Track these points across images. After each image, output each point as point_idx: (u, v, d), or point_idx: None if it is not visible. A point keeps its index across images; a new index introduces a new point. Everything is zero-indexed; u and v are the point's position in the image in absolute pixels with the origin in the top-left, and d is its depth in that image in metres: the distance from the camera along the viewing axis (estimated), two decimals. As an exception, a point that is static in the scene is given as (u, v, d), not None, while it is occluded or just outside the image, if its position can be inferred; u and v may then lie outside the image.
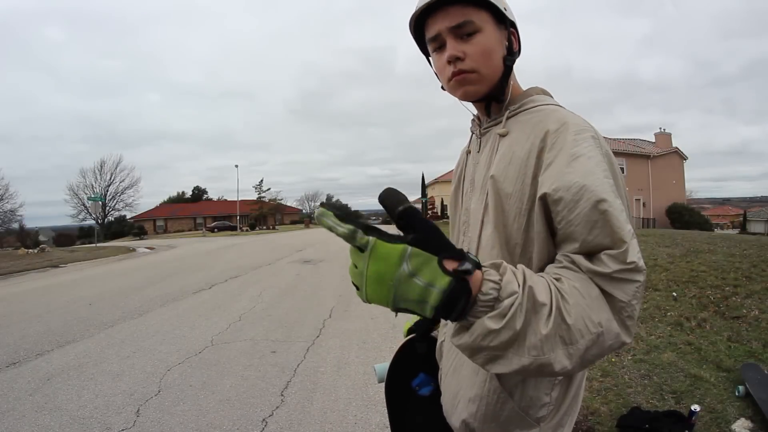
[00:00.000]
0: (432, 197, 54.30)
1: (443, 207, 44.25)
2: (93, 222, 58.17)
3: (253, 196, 53.89)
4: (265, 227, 47.33)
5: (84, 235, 59.24)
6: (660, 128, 36.15)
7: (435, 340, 1.11)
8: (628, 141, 35.57)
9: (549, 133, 0.79)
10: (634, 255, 0.66)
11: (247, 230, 42.82)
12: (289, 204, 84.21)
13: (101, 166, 59.43)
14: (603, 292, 0.65)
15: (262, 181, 47.82)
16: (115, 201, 61.31)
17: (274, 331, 5.22)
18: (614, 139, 33.65)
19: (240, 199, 50.56)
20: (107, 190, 60.23)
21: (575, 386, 0.88)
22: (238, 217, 41.03)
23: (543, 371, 0.62)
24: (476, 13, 0.85)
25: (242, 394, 3.43)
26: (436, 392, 1.05)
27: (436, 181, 62.78)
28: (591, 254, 0.68)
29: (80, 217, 59.84)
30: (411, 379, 1.13)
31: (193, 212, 65.55)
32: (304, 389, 3.48)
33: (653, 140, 37.24)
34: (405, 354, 1.18)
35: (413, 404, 1.14)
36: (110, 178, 60.52)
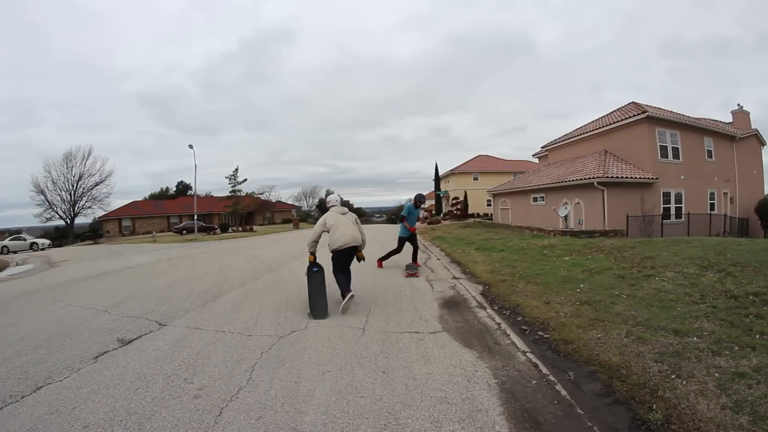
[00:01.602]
0: (452, 195, 46.68)
1: (466, 203, 35.92)
2: (61, 222, 53.66)
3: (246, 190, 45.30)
4: (239, 228, 39.11)
5: (59, 236, 53.06)
6: (738, 105, 27.85)
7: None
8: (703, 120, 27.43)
9: None
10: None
11: (215, 233, 34.70)
12: (284, 200, 78.23)
13: (66, 159, 52.48)
14: None
15: (237, 170, 40.41)
16: (84, 199, 54.89)
17: None
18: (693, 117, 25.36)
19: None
20: (76, 186, 53.97)
21: None
22: (195, 216, 32.82)
23: None
24: None
25: None
26: (320, 270, 6.35)
27: (452, 173, 54.93)
28: None
29: (46, 215, 53.91)
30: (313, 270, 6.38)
31: (166, 210, 57.92)
32: None
33: (728, 120, 28.75)
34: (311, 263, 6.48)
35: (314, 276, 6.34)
36: (79, 172, 54.29)
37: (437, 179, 52.72)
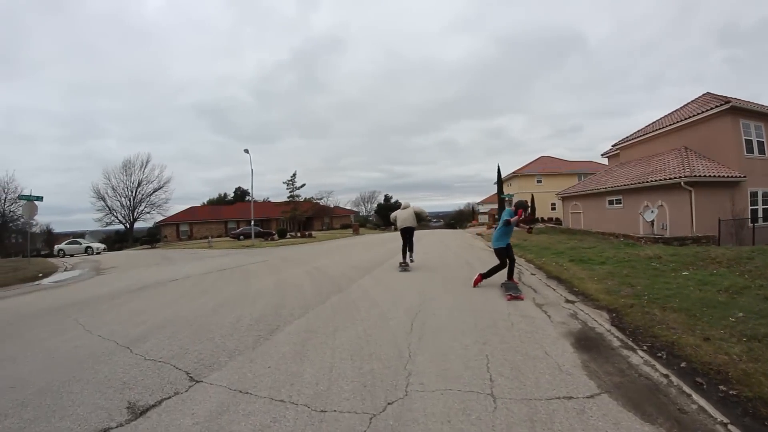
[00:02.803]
0: (523, 200, 43.92)
1: (533, 207, 33.14)
2: (121, 226, 55.54)
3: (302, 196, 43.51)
4: (297, 234, 38.02)
5: (119, 239, 55.37)
6: None
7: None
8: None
9: None
10: None
11: (272, 239, 33.69)
12: (342, 206, 77.92)
13: (125, 167, 54.93)
14: None
15: (294, 175, 39.94)
16: (143, 204, 58.12)
17: None
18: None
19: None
20: (135, 193, 57.17)
21: None
22: (252, 222, 31.83)
23: None
24: None
25: None
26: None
27: (514, 175, 52.10)
28: None
29: (106, 220, 56.96)
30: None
31: (224, 216, 58.14)
32: None
33: None
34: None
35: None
36: (138, 179, 57.39)
37: (500, 182, 49.87)
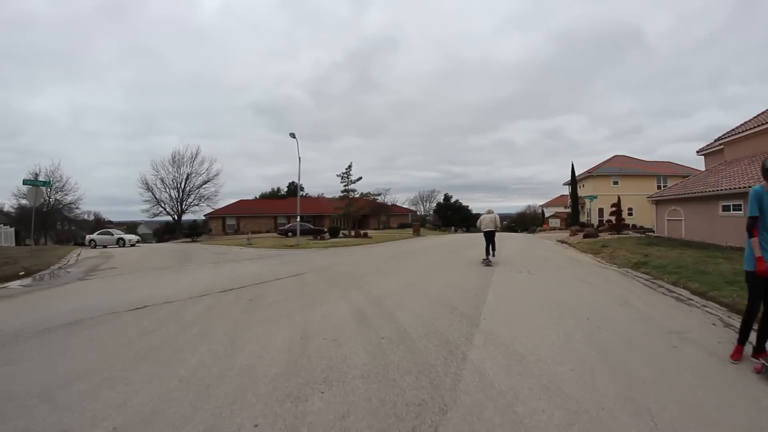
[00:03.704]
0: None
1: (619, 212, 28.27)
2: (170, 217, 54.77)
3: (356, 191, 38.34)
4: (351, 232, 34.66)
5: (168, 230, 55.70)
6: None
7: None
8: None
9: None
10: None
11: (322, 237, 30.43)
12: (400, 204, 73.81)
13: (174, 159, 55.14)
14: None
15: (350, 168, 35.11)
16: (192, 197, 56.31)
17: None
18: None
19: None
20: (183, 185, 55.39)
21: None
22: (298, 218, 28.55)
23: None
24: None
25: None
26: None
27: (588, 175, 46.94)
28: None
29: (154, 211, 55.27)
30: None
31: (274, 210, 55.99)
32: None
33: None
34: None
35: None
36: (187, 172, 55.45)
37: (573, 182, 44.67)
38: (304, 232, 36.91)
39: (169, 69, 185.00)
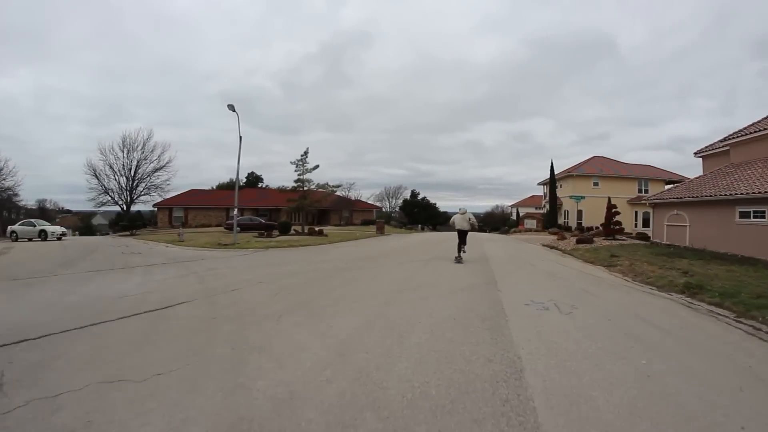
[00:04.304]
0: (567, 203, 34.55)
1: (612, 215, 24.15)
2: (119, 208, 49.28)
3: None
4: (305, 228, 29.36)
5: (119, 220, 49.72)
6: None
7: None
8: None
9: None
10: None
11: (269, 234, 25.23)
12: (365, 200, 68.94)
13: (125, 144, 49.38)
14: None
15: (306, 153, 29.35)
16: (142, 186, 50.91)
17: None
18: None
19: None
20: (134, 173, 49.82)
21: None
22: (236, 211, 22.94)
23: None
24: None
25: None
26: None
27: (568, 175, 43.35)
28: None
29: (101, 200, 49.29)
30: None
31: (226, 202, 50.92)
32: None
33: None
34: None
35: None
36: (137, 158, 49.85)
37: (552, 181, 41.02)
38: (253, 228, 32.27)
39: (139, 53, 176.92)
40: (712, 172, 22.79)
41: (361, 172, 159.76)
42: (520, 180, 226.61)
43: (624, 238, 22.76)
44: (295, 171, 28.00)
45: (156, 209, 51.53)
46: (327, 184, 29.06)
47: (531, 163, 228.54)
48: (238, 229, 31.65)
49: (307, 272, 10.99)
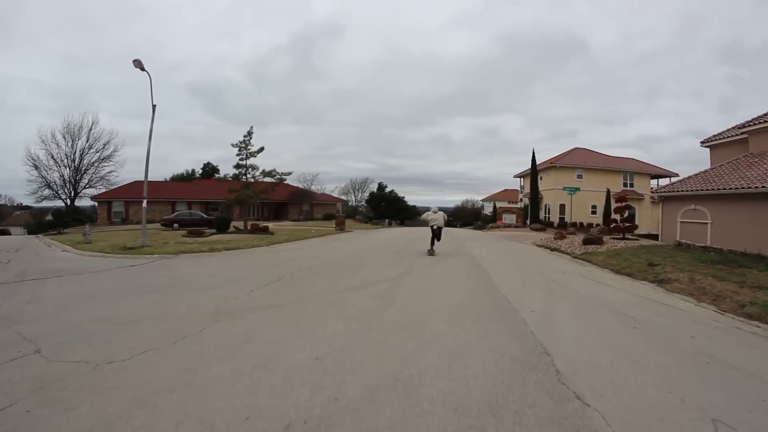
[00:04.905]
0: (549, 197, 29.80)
1: (623, 208, 19.72)
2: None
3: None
4: (247, 226, 23.92)
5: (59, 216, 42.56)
6: None
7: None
8: None
9: None
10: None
11: (200, 233, 19.54)
12: (329, 192, 63.78)
13: (69, 131, 42.51)
14: None
15: (250, 134, 24.11)
16: (85, 177, 44.51)
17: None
18: None
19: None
20: (78, 163, 43.45)
21: None
22: (144, 203, 17.19)
23: None
24: None
25: None
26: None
27: (551, 165, 39.37)
28: None
29: (43, 194, 42.94)
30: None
31: (177, 195, 45.12)
32: None
33: None
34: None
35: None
36: (82, 147, 43.28)
37: (534, 172, 36.86)
38: (192, 224, 26.95)
39: (105, 41, 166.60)
40: (730, 162, 19.70)
41: (329, 165, 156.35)
42: (488, 175, 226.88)
43: (635, 237, 18.65)
44: (237, 155, 22.70)
45: (96, 204, 44.43)
46: (274, 170, 23.46)
47: (499, 159, 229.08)
48: (177, 225, 26.50)
49: (196, 307, 6.15)
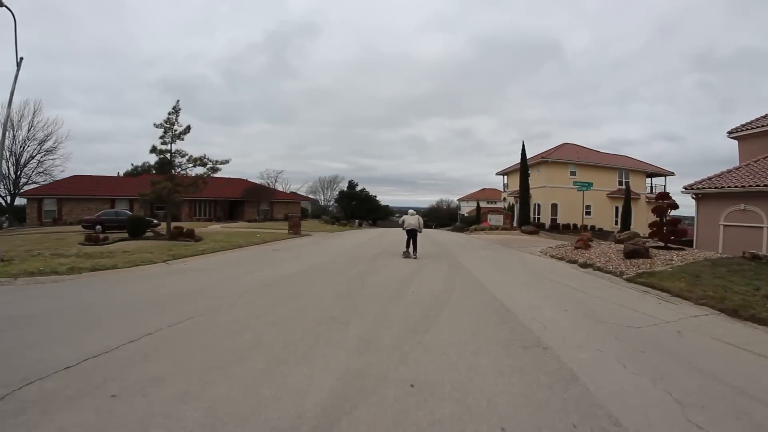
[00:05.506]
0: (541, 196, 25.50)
1: (666, 208, 15.12)
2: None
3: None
4: (167, 229, 17.76)
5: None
6: None
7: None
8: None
9: None
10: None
11: (99, 238, 13.95)
12: (296, 190, 60.14)
13: (6, 118, 35.45)
14: None
15: (177, 110, 17.54)
16: (26, 170, 39.59)
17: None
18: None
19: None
20: (20, 154, 38.49)
21: None
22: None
23: None
24: None
25: None
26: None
27: (543, 160, 35.14)
28: None
29: None
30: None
31: (114, 191, 39.40)
32: None
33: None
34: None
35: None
36: (23, 138, 38.26)
37: (524, 167, 32.50)
38: (117, 225, 21.65)
39: (76, 34, 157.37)
40: (760, 158, 16.86)
41: (301, 165, 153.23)
42: (461, 176, 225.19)
43: (678, 246, 13.91)
44: (160, 138, 17.16)
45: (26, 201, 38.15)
46: (205, 156, 17.89)
47: (472, 159, 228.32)
48: (99, 227, 21.03)
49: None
